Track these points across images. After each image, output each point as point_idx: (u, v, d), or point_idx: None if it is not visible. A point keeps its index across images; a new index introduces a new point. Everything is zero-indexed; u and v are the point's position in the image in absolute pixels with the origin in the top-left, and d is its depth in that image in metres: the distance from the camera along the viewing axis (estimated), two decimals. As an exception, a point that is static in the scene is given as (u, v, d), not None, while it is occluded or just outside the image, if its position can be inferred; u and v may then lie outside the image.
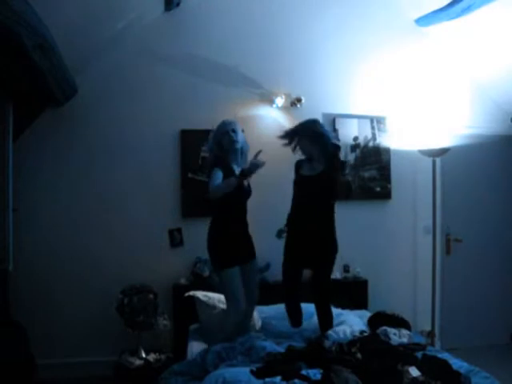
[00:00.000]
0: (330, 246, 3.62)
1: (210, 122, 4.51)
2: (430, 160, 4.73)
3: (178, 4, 4.41)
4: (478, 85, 5.15)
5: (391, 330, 3.51)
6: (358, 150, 4.89)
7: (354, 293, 4.64)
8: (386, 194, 4.94)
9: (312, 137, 3.56)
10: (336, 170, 3.58)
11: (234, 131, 3.47)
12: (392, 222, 4.98)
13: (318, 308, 3.66)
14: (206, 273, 4.39)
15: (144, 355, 3.98)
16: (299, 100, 4.67)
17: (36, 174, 4.37)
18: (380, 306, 4.19)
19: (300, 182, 3.65)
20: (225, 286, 3.49)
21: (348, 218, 4.54)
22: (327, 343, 3.24)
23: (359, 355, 2.97)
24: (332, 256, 3.64)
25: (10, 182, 3.91)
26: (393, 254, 4.98)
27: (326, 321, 3.63)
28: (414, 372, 2.69)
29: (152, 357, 3.99)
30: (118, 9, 4.01)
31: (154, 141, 4.56)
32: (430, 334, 4.75)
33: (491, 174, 5.20)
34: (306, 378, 2.67)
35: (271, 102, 4.70)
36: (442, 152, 4.61)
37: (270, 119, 4.72)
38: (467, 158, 5.04)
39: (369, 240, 4.86)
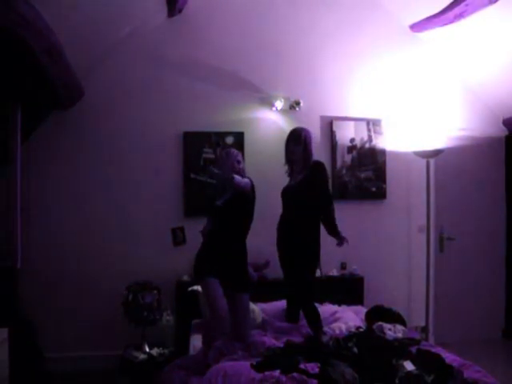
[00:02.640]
0: (304, 255, 3.66)
1: (212, 125, 4.69)
2: (423, 161, 4.82)
3: (180, 10, 4.50)
4: (470, 88, 5.24)
5: (386, 326, 3.60)
6: (354, 152, 4.99)
7: (351, 289, 4.73)
8: (381, 194, 5.03)
9: (296, 141, 3.70)
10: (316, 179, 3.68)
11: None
12: (387, 221, 5.07)
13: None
14: (208, 270, 4.52)
15: (148, 349, 4.04)
16: (298, 103, 4.76)
17: (44, 174, 4.47)
18: (375, 303, 4.27)
19: (282, 194, 3.81)
20: (206, 297, 3.45)
21: (344, 217, 4.64)
22: (324, 338, 3.34)
23: (355, 350, 3.06)
24: (306, 261, 3.68)
25: (17, 183, 4.00)
26: (388, 251, 5.07)
27: (310, 320, 3.62)
28: (409, 366, 2.77)
29: (155, 351, 4.05)
30: (123, 15, 4.09)
31: (158, 142, 4.66)
32: (424, 330, 4.87)
33: (483, 174, 5.30)
34: (304, 371, 2.73)
35: (271, 105, 4.79)
36: (436, 153, 4.70)
37: (269, 122, 4.82)
38: (460, 159, 5.13)
39: (365, 238, 4.94)
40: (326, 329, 3.62)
